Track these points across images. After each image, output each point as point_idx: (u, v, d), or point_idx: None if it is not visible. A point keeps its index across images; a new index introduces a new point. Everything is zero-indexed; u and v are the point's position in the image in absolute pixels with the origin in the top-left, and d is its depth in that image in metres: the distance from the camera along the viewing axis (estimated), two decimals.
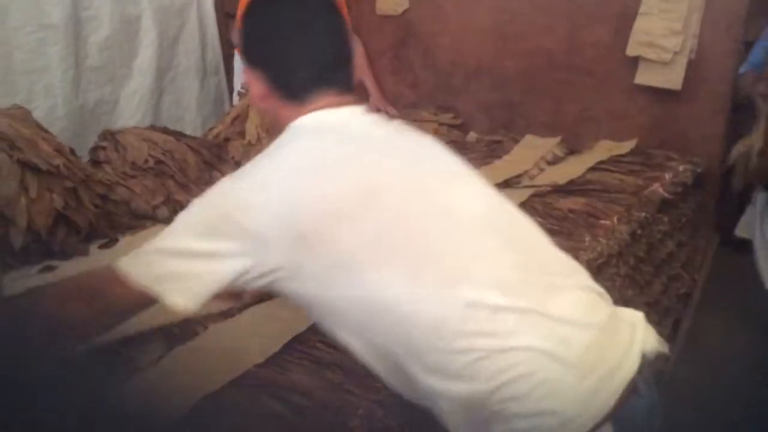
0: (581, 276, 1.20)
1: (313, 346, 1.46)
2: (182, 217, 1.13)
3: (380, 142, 1.17)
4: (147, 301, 1.10)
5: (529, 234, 1.20)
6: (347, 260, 1.04)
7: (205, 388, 1.27)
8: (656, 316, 2.42)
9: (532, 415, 1.02)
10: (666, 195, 2.37)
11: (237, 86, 3.40)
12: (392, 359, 1.08)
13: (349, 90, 1.21)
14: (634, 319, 1.19)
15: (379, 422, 1.26)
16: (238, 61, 3.47)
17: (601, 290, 1.21)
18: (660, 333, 2.23)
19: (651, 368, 1.16)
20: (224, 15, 3.86)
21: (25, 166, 1.99)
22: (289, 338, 1.45)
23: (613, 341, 1.10)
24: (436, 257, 1.06)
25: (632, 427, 1.08)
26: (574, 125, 3.00)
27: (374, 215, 1.06)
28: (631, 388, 1.08)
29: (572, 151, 2.84)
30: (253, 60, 1.20)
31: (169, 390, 1.28)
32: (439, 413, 1.11)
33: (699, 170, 2.61)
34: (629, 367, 1.09)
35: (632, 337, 1.13)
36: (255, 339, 1.44)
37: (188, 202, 2.35)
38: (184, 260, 1.06)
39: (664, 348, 1.19)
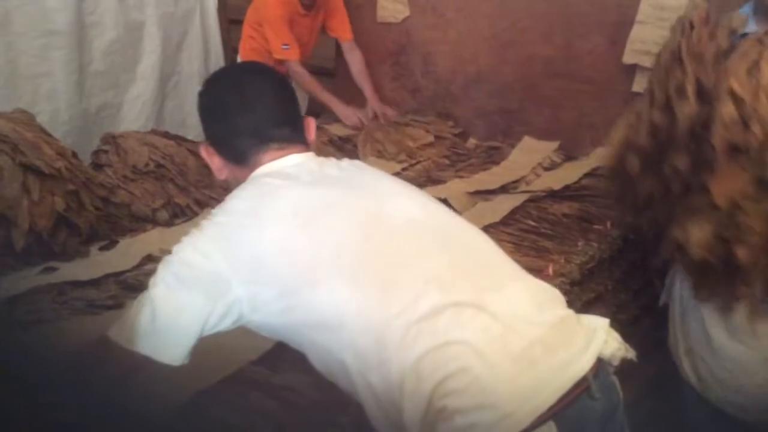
0: (529, 278, 1.21)
1: None
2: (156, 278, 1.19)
3: (316, 174, 1.27)
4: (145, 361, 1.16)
5: (471, 238, 1.24)
6: (293, 284, 1.12)
7: (199, 384, 1.30)
8: (651, 321, 2.43)
9: (472, 409, 1.03)
10: None
11: None
12: (343, 370, 1.11)
13: (296, 140, 1.33)
14: (595, 324, 1.19)
15: (368, 420, 1.29)
16: None
17: (557, 294, 1.22)
18: (654, 338, 2.26)
19: (609, 374, 1.15)
20: (227, 21, 3.90)
21: (28, 169, 2.03)
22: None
23: (565, 340, 1.11)
24: (373, 263, 1.12)
25: (579, 429, 1.07)
26: (572, 132, 3.03)
27: (310, 238, 1.14)
28: (581, 389, 1.08)
29: (569, 158, 2.86)
30: (207, 136, 1.35)
31: (163, 387, 1.30)
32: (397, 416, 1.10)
33: None
34: (580, 366, 1.09)
35: (589, 339, 1.14)
36: (247, 337, 1.46)
37: (188, 205, 2.43)
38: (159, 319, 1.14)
39: (630, 354, 1.20)
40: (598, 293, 2.07)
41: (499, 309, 1.09)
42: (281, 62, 3.29)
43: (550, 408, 1.04)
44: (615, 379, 1.17)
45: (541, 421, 1.03)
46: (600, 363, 1.12)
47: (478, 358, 1.04)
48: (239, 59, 3.52)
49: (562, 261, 1.96)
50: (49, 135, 2.27)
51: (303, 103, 3.55)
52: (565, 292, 1.85)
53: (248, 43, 3.42)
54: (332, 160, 1.35)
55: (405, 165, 2.91)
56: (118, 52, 3.38)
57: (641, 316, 2.35)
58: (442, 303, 1.07)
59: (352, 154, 3.00)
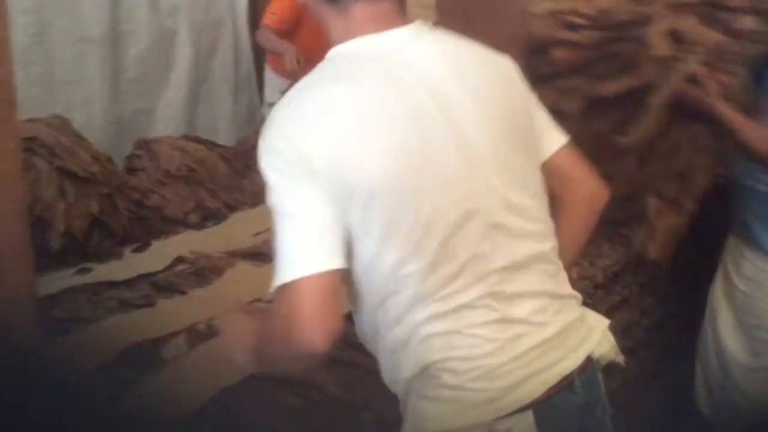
0: (560, 277, 1.18)
1: None
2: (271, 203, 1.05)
3: (430, 89, 1.07)
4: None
5: (525, 224, 1.14)
6: (366, 229, 1.03)
7: (225, 381, 1.34)
8: (677, 325, 2.43)
9: (461, 389, 1.05)
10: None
11: (268, 98, 3.49)
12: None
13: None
14: (595, 324, 1.19)
15: (389, 415, 1.31)
16: (269, 74, 3.56)
17: (575, 293, 1.21)
18: (679, 343, 2.26)
19: (595, 370, 1.16)
20: (257, 29, 3.96)
21: (64, 172, 2.10)
22: None
23: (562, 344, 1.12)
24: (443, 234, 1.05)
25: (554, 418, 1.08)
26: None
27: (401, 189, 1.03)
28: (566, 383, 1.10)
29: None
30: None
31: (191, 383, 1.35)
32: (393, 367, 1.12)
33: (722, 181, 2.61)
34: (569, 364, 1.10)
35: (584, 338, 1.15)
36: None
37: (218, 208, 2.48)
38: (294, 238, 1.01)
39: (619, 358, 1.20)
40: (623, 297, 2.07)
41: (522, 311, 1.10)
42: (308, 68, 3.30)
43: (533, 400, 1.07)
44: (599, 375, 1.17)
45: (520, 410, 1.06)
46: (588, 360, 1.14)
47: (487, 355, 1.06)
48: (267, 67, 3.57)
49: (586, 264, 1.97)
50: (85, 140, 2.34)
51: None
52: (588, 296, 1.86)
53: None
54: (452, 49, 1.14)
55: None
56: (151, 60, 3.47)
57: (666, 321, 2.34)
58: (477, 297, 1.06)
59: None
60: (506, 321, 1.08)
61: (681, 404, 2.16)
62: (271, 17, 3.35)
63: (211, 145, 2.79)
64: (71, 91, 3.18)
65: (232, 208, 2.52)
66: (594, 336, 1.16)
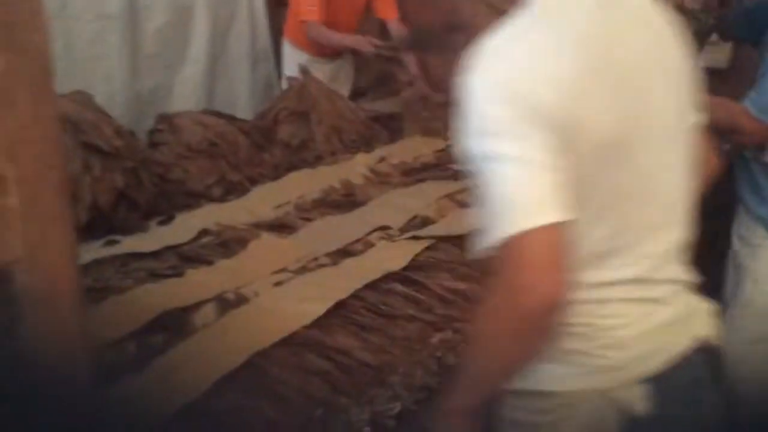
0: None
1: (356, 311, 1.54)
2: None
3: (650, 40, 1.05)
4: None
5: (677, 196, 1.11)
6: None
7: (258, 345, 1.36)
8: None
9: (588, 354, 1.05)
10: None
11: (286, 71, 3.49)
12: None
13: None
14: (704, 306, 1.17)
15: (418, 380, 1.34)
16: (287, 47, 3.56)
17: (693, 278, 1.18)
18: None
19: (710, 349, 1.15)
20: (274, 3, 3.95)
21: (89, 147, 2.12)
22: (332, 303, 1.53)
23: (684, 323, 1.11)
24: (637, 204, 1.03)
25: (669, 391, 1.08)
26: None
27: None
28: (683, 360, 1.09)
29: None
30: None
31: (224, 347, 1.38)
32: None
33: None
34: (688, 341, 1.10)
35: (700, 320, 1.14)
36: (303, 304, 1.53)
37: (239, 182, 2.51)
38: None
39: (719, 342, 1.18)
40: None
41: (659, 292, 1.08)
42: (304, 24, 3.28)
43: (653, 373, 1.07)
44: (713, 353, 1.15)
45: (639, 382, 1.06)
46: (703, 339, 1.13)
47: (620, 327, 1.06)
48: (285, 40, 3.57)
49: None
50: (108, 115, 2.36)
51: (348, 84, 3.59)
52: None
53: (294, 22, 3.46)
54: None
55: (451, 142, 2.93)
56: (169, 35, 3.47)
57: None
58: (631, 276, 1.05)
59: (397, 132, 3.03)
60: (645, 300, 1.07)
61: None
62: (311, 10, 3.24)
63: (231, 119, 2.80)
64: (91, 67, 3.20)
65: (253, 181, 2.53)
66: (705, 317, 1.16)
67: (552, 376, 1.07)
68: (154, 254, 1.95)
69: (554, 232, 0.92)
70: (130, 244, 2.02)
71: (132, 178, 2.24)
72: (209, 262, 1.86)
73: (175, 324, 1.52)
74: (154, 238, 2.08)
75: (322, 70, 3.35)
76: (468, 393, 1.06)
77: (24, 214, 0.72)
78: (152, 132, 2.65)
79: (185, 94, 3.56)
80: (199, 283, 1.71)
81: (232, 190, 2.49)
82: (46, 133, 0.73)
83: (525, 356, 1.01)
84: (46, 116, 0.72)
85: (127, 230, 2.13)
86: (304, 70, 3.03)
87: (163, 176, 2.40)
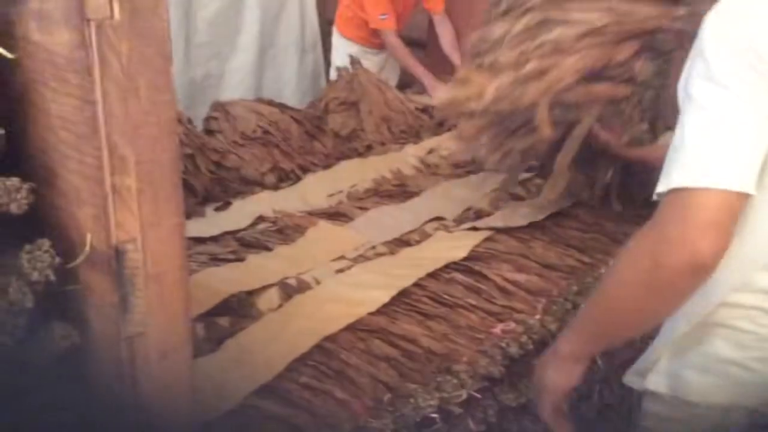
0: None
1: (419, 300, 1.56)
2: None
3: None
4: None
5: None
6: None
7: (325, 330, 1.39)
8: None
9: (738, 365, 1.02)
10: None
11: (335, 61, 3.52)
12: None
13: None
14: None
15: (482, 369, 1.36)
16: (336, 38, 3.59)
17: None
18: None
19: None
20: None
21: None
22: (396, 291, 1.55)
23: None
24: None
25: None
26: None
27: None
28: None
29: None
30: None
31: (293, 330, 1.41)
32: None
33: None
34: None
35: None
36: (366, 291, 1.55)
37: (292, 170, 2.54)
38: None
39: None
40: None
41: None
42: (376, 32, 3.34)
43: None
44: None
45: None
46: None
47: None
48: (335, 31, 3.60)
49: None
50: None
51: (395, 74, 3.61)
52: None
53: (345, 13, 3.49)
54: None
55: None
56: (220, 24, 3.52)
57: None
58: None
59: (444, 124, 3.04)
60: None
61: None
62: (383, 19, 3.27)
63: (283, 107, 2.84)
64: None
65: (305, 170, 2.57)
66: None
67: (702, 384, 1.04)
68: (214, 239, 1.99)
69: (728, 198, 0.88)
70: (189, 228, 2.04)
71: (190, 163, 2.29)
72: (268, 248, 1.89)
73: (240, 308, 1.56)
74: (212, 223, 2.12)
75: (371, 61, 3.38)
76: (587, 338, 1.04)
77: (141, 194, 0.76)
78: (208, 119, 2.69)
79: (235, 83, 3.62)
80: (261, 268, 1.74)
81: (285, 178, 2.52)
82: (163, 118, 0.75)
83: (655, 313, 0.98)
84: (163, 101, 0.75)
85: (186, 215, 2.16)
86: (354, 61, 3.05)
87: (218, 163, 2.44)
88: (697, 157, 0.89)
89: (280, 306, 1.55)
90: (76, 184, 0.78)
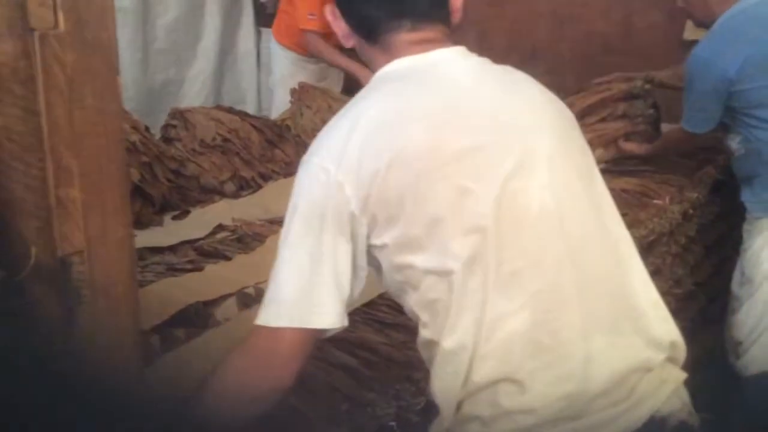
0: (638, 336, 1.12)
1: (378, 309, 1.56)
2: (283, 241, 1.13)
3: (465, 99, 1.09)
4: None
5: (600, 257, 1.11)
6: (408, 238, 1.05)
7: None
8: (705, 297, 2.46)
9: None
10: (719, 177, 2.41)
11: (274, 71, 3.50)
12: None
13: (441, 24, 1.14)
14: (666, 376, 1.12)
15: None
16: (274, 45, 3.50)
17: (660, 340, 1.13)
18: (707, 316, 2.30)
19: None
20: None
21: None
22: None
23: (629, 394, 1.07)
24: (495, 251, 1.03)
25: None
26: None
27: (436, 193, 1.03)
28: None
29: None
30: None
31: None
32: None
33: None
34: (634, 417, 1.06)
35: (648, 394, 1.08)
36: None
37: (252, 178, 2.52)
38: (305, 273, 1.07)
39: (693, 419, 1.13)
40: (656, 267, 2.11)
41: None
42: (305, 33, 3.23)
43: None
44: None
45: None
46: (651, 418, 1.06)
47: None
48: (272, 39, 3.47)
49: None
50: (125, 110, 2.37)
51: (338, 82, 3.54)
52: None
53: (282, 20, 3.40)
54: (485, 69, 1.15)
55: None
56: (180, 30, 3.50)
57: (696, 292, 2.38)
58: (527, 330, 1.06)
59: None
60: None
61: (713, 364, 2.22)
62: (311, 19, 3.17)
63: (243, 115, 2.82)
64: None
65: (266, 178, 2.55)
66: (663, 390, 1.12)
67: None
68: (172, 248, 1.96)
69: (308, 335, 1.06)
70: (146, 238, 2.03)
71: (147, 172, 2.25)
72: (227, 258, 1.87)
73: (198, 318, 1.54)
74: (170, 232, 2.09)
75: (310, 71, 3.33)
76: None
77: (86, 206, 0.74)
78: (166, 127, 2.66)
79: (195, 90, 3.60)
80: (219, 277, 1.73)
81: (246, 186, 2.51)
82: (109, 128, 0.74)
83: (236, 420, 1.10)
84: (110, 111, 0.74)
85: (143, 225, 2.14)
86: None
87: (177, 171, 2.41)
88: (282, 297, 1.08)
89: (238, 316, 1.54)
90: (21, 196, 0.76)
